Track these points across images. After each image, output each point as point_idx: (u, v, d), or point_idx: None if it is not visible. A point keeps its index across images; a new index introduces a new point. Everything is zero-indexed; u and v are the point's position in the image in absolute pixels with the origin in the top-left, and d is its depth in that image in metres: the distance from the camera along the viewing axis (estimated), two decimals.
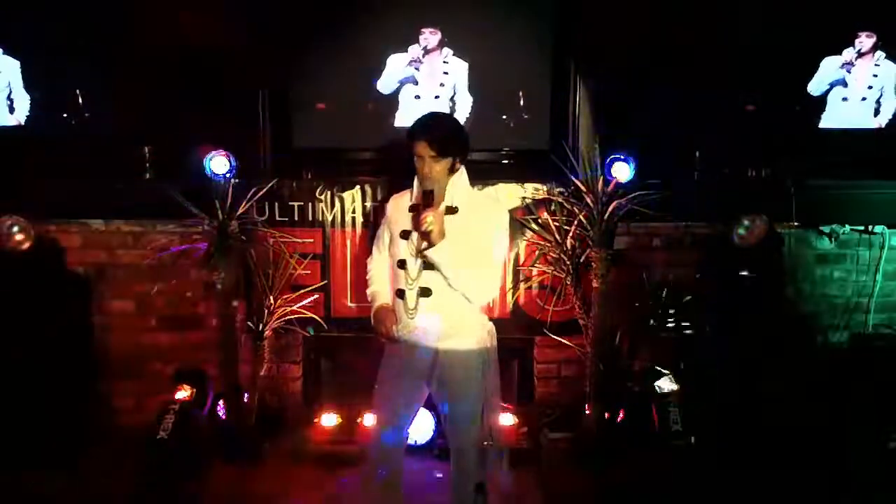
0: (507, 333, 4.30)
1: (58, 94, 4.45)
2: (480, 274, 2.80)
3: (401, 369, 2.98)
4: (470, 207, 2.87)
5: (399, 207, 2.98)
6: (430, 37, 4.45)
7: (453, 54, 4.50)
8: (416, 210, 2.83)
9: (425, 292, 2.82)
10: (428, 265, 2.81)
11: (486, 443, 2.92)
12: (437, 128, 2.87)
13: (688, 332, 4.13)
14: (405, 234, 2.88)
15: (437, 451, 4.15)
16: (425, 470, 4.00)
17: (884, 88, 4.45)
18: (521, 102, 4.64)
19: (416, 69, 4.48)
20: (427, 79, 4.53)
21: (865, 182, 4.38)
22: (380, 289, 3.08)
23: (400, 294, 2.89)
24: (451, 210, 2.84)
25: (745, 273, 3.97)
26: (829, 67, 4.42)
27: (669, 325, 4.09)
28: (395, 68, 4.50)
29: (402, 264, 2.85)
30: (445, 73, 4.54)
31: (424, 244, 2.75)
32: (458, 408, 2.90)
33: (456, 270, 2.76)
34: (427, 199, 2.79)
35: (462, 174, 2.92)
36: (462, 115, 4.55)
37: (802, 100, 4.45)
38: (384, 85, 4.52)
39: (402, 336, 2.93)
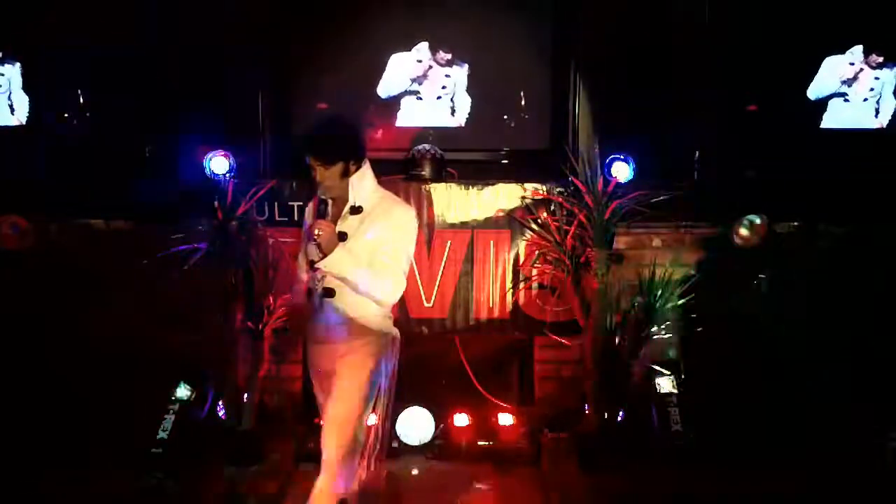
0: (507, 333, 4.33)
1: (58, 95, 4.45)
2: (379, 274, 2.74)
3: (313, 368, 2.96)
4: (373, 207, 2.80)
5: (310, 211, 2.96)
6: (443, 55, 4.47)
7: (454, 59, 4.51)
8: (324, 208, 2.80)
9: (329, 293, 2.77)
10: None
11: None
12: (319, 138, 2.82)
13: (688, 331, 4.13)
14: (310, 237, 2.79)
15: (437, 451, 4.16)
16: (425, 470, 4.01)
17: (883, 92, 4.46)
18: (522, 102, 4.65)
19: (420, 84, 4.51)
20: (429, 86, 4.54)
21: None
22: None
23: (309, 294, 2.86)
24: (355, 210, 2.78)
25: (762, 276, 3.96)
26: (829, 79, 4.41)
27: (669, 324, 4.10)
28: (396, 77, 4.51)
29: (311, 265, 2.79)
30: (447, 75, 4.56)
31: (317, 253, 2.70)
32: (333, 409, 2.79)
33: (353, 275, 2.70)
34: (320, 209, 2.78)
35: (364, 174, 2.82)
36: (461, 115, 4.56)
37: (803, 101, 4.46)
38: (385, 89, 4.52)
39: (310, 334, 2.90)
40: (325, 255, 2.66)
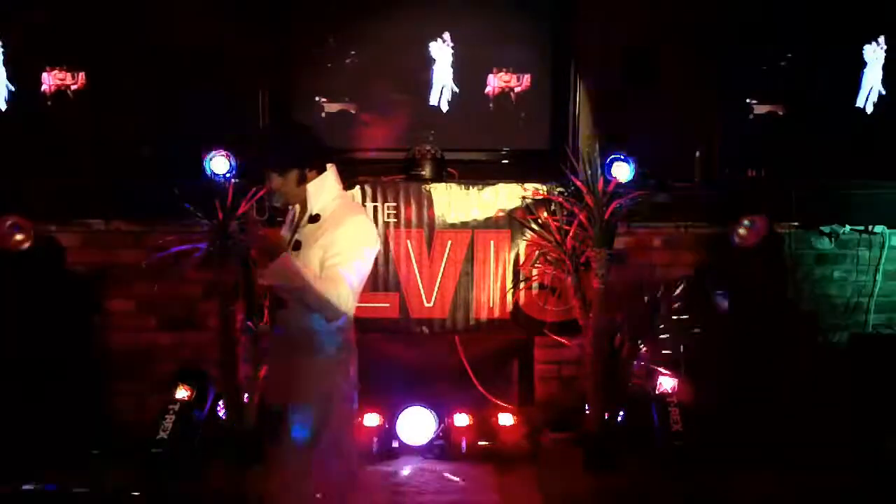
0: (507, 333, 4.33)
1: (58, 94, 4.45)
2: (326, 284, 2.51)
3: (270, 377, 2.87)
4: (329, 214, 2.64)
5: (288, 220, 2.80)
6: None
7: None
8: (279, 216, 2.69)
9: (280, 303, 2.64)
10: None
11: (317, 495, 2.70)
12: (270, 145, 2.72)
13: (688, 331, 4.13)
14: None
15: (437, 451, 4.16)
16: (425, 470, 4.01)
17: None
18: (522, 102, 4.65)
19: None
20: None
21: None
22: None
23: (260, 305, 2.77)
24: (313, 218, 2.62)
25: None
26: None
27: (669, 324, 4.10)
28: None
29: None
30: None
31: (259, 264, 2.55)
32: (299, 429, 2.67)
33: (296, 285, 2.48)
34: (269, 218, 2.70)
35: (323, 180, 2.65)
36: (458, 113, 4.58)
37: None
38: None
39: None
40: (265, 264, 2.48)
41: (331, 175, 2.69)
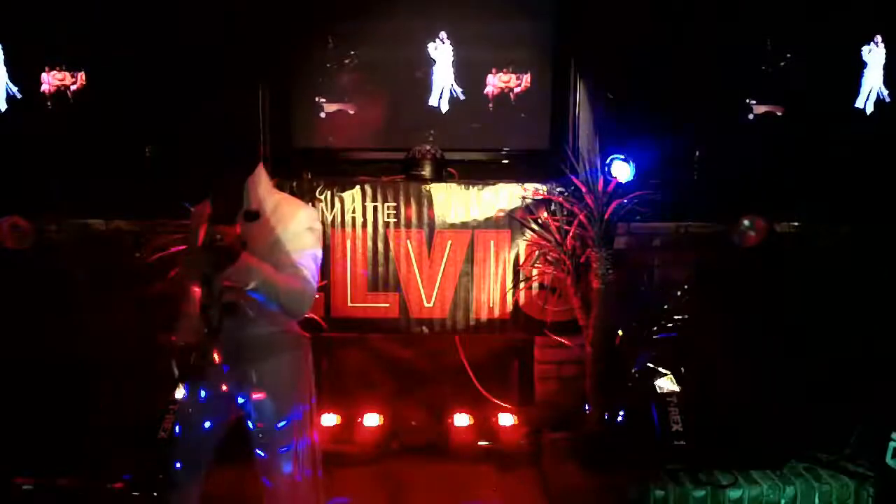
0: (507, 333, 4.33)
1: (58, 94, 4.46)
2: (290, 281, 2.48)
3: (201, 405, 2.66)
4: (273, 210, 2.59)
5: (201, 218, 2.66)
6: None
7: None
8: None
9: (231, 308, 2.50)
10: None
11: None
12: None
13: (688, 331, 4.13)
14: (209, 245, 2.49)
15: (438, 451, 4.17)
16: (425, 470, 4.01)
17: None
18: (521, 102, 4.65)
19: None
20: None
21: None
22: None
23: (203, 310, 2.51)
24: (251, 215, 2.54)
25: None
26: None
27: (669, 324, 4.10)
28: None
29: (203, 280, 2.48)
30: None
31: (209, 264, 2.41)
32: (272, 434, 2.63)
33: (264, 283, 2.41)
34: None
35: (259, 175, 2.63)
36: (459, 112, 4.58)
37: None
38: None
39: (203, 362, 2.54)
40: (228, 265, 2.36)
41: (263, 172, 2.66)
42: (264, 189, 2.63)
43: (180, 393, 3.88)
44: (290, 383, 2.68)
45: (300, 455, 2.69)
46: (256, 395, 2.62)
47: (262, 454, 2.67)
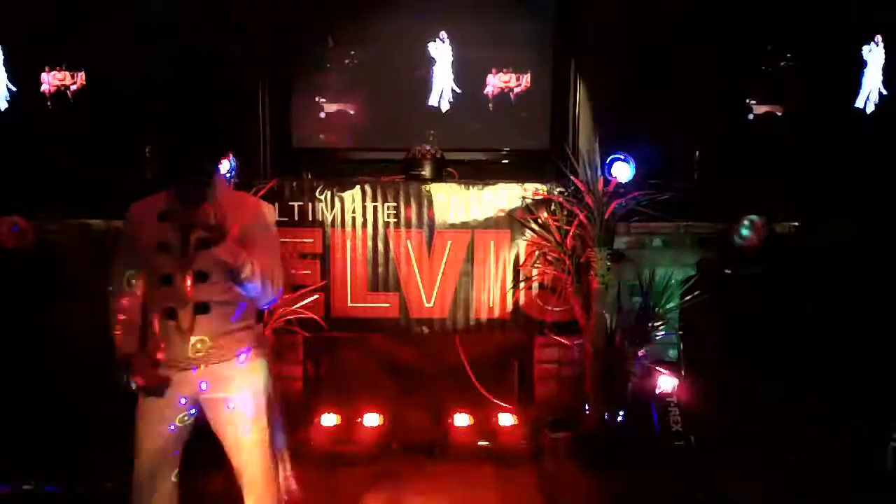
0: (507, 333, 4.33)
1: (58, 94, 4.46)
2: (264, 270, 2.51)
3: (165, 407, 2.64)
4: (227, 203, 2.56)
5: (147, 218, 2.62)
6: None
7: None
8: (169, 218, 2.54)
9: (202, 308, 2.53)
10: (200, 275, 2.52)
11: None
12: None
13: (688, 332, 4.13)
14: (165, 247, 2.53)
15: (437, 451, 4.17)
16: (425, 470, 4.01)
17: None
18: (521, 102, 4.65)
19: None
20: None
21: None
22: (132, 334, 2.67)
23: (170, 314, 2.54)
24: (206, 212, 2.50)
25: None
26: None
27: (669, 325, 4.10)
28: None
29: (167, 280, 2.51)
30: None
31: (178, 247, 2.46)
32: (246, 432, 2.65)
33: (248, 265, 2.44)
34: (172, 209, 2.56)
35: (215, 178, 2.65)
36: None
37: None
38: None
39: (174, 365, 2.59)
40: (221, 242, 2.37)
41: (220, 175, 2.71)
42: (222, 189, 2.65)
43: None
44: (255, 381, 2.69)
45: (269, 443, 2.71)
46: (223, 394, 2.64)
47: (233, 447, 2.70)
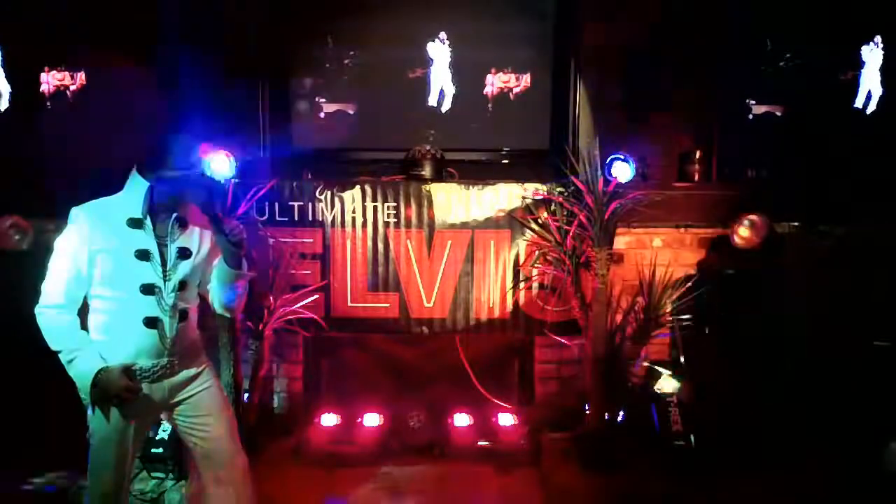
0: (507, 333, 4.33)
1: (58, 94, 4.46)
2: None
3: (135, 417, 2.63)
4: (190, 214, 2.72)
5: (112, 224, 2.65)
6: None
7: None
8: (140, 225, 2.62)
9: (183, 315, 2.64)
10: (183, 284, 2.62)
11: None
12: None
13: (688, 332, 4.13)
14: (145, 254, 2.57)
15: (438, 451, 4.17)
16: (425, 470, 4.01)
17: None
18: (521, 103, 4.65)
19: None
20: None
21: None
22: (89, 348, 2.61)
23: (151, 323, 2.57)
24: (183, 223, 2.71)
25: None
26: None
27: (670, 325, 4.10)
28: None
29: (148, 290, 2.55)
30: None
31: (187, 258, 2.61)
32: (220, 428, 2.78)
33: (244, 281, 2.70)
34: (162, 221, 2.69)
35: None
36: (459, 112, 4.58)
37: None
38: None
39: (147, 377, 2.62)
40: (236, 257, 2.60)
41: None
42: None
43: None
44: (213, 378, 2.83)
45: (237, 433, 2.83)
46: (188, 395, 2.73)
47: (199, 444, 2.77)
